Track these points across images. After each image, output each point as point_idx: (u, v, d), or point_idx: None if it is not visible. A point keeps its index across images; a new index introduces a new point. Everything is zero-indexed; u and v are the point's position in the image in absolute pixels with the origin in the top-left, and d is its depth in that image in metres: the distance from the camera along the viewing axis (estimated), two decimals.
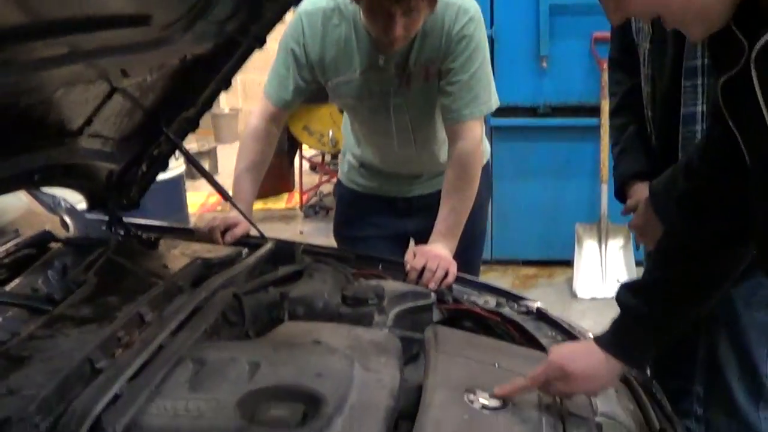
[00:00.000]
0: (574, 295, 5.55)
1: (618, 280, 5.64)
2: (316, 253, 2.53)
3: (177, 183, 5.79)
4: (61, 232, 2.36)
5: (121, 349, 1.64)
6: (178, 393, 1.56)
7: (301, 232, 7.41)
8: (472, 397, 1.58)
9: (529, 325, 2.12)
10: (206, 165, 9.09)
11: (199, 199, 7.68)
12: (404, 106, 2.68)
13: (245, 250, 2.43)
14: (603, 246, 5.74)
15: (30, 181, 1.90)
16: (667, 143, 2.20)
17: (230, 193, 2.65)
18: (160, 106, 2.24)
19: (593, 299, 5.46)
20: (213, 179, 2.58)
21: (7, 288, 1.96)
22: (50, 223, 2.40)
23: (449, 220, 2.61)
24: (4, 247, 2.06)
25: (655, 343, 1.69)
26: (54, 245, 2.21)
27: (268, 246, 2.44)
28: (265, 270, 2.36)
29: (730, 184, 1.55)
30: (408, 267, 2.45)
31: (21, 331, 1.70)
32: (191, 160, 2.51)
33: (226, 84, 2.27)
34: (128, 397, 1.46)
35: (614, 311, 1.72)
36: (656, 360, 2.43)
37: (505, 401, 1.58)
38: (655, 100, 2.27)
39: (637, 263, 5.67)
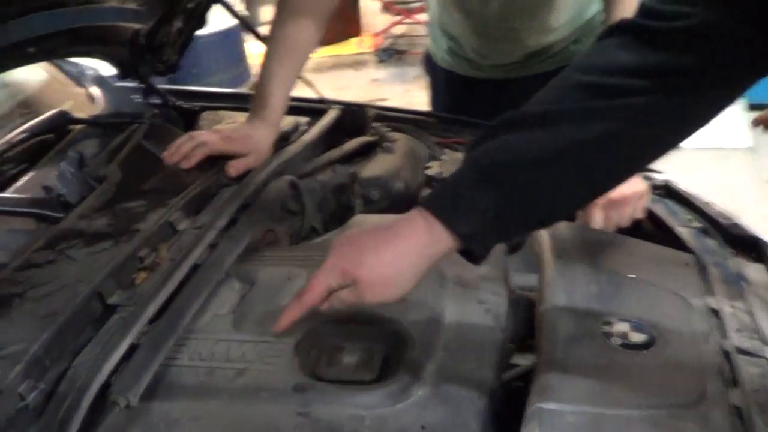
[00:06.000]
0: None
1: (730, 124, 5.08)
2: (391, 118, 2.09)
3: (234, 33, 5.34)
4: (86, 109, 1.97)
5: (145, 273, 1.27)
6: (218, 330, 1.20)
7: (374, 80, 6.95)
8: (608, 328, 1.16)
9: (659, 208, 1.66)
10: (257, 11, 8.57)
11: (260, 48, 7.22)
12: None
13: (304, 120, 2.01)
14: None
15: (23, 56, 1.48)
16: None
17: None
18: None
19: (701, 149, 4.85)
20: (257, 32, 2.13)
21: (15, 186, 1.58)
22: (73, 98, 2.00)
23: None
24: (9, 136, 1.66)
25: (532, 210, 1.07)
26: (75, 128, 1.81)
27: (332, 113, 2.01)
28: (331, 143, 1.95)
29: None
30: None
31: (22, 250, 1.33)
32: (230, 9, 2.05)
33: None
34: (148, 347, 1.09)
35: (727, 163, 1.22)
36: None
37: (653, 335, 1.16)
38: None
39: (752, 107, 5.07)
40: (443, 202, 1.06)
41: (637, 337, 1.15)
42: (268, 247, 1.56)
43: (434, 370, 1.10)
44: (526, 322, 1.37)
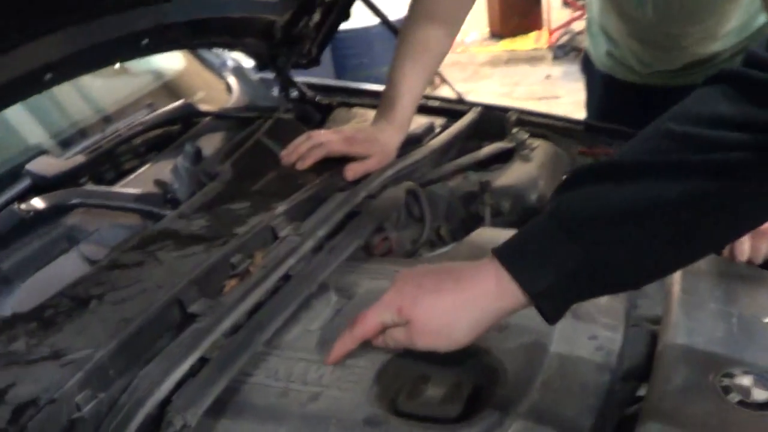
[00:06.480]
0: None
1: None
2: (534, 123, 1.96)
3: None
4: (222, 99, 1.94)
5: (235, 282, 1.20)
6: (302, 347, 1.13)
7: (548, 77, 6.74)
8: (727, 381, 1.01)
9: None
10: None
11: None
12: None
13: (440, 122, 1.91)
14: None
15: (134, 48, 1.44)
16: None
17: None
18: None
19: None
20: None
21: (129, 179, 1.56)
22: (209, 88, 1.98)
23: None
24: (131, 124, 1.64)
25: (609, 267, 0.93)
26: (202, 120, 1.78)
27: (470, 116, 1.90)
28: (467, 147, 1.84)
29: None
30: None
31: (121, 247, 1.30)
32: (370, 5, 1.97)
33: None
34: (218, 363, 1.03)
35: None
36: None
37: None
38: None
39: None
40: (515, 253, 0.95)
41: (761, 395, 0.99)
42: (381, 256, 1.48)
43: (525, 411, 0.98)
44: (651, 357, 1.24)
